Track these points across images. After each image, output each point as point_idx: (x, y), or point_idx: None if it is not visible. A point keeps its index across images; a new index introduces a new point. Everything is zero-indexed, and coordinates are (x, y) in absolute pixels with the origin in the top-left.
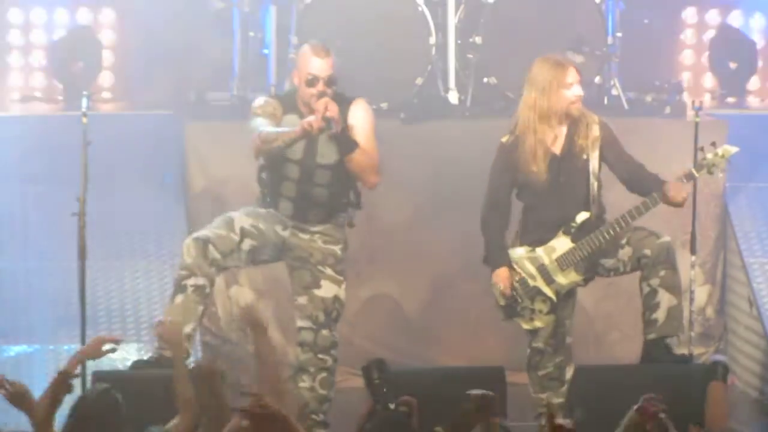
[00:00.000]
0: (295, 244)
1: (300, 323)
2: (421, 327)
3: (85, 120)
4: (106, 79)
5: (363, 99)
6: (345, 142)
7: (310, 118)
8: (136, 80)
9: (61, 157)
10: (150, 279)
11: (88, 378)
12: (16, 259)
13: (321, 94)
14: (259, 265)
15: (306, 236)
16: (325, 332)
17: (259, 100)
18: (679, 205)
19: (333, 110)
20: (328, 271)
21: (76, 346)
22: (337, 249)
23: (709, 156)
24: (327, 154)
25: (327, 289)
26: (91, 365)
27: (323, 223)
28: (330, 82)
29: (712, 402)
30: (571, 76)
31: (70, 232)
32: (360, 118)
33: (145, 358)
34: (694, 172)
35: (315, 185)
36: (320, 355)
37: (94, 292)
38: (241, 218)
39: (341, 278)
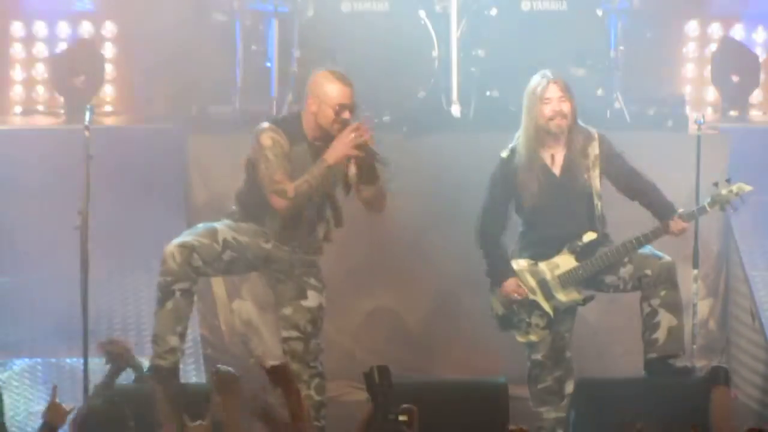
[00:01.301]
0: (278, 256)
1: (285, 333)
2: (423, 339)
3: (87, 133)
4: (107, 92)
5: None
6: (371, 170)
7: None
8: (138, 93)
9: (63, 170)
10: (152, 292)
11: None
12: (18, 272)
13: (346, 122)
14: (233, 275)
15: (287, 248)
16: (314, 341)
17: (266, 131)
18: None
19: (368, 135)
20: (312, 281)
21: (78, 360)
22: (315, 258)
23: (724, 192)
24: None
25: (313, 299)
26: (92, 378)
27: (308, 236)
28: (353, 109)
29: (716, 407)
30: (551, 91)
31: (72, 246)
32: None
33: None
34: (707, 207)
35: (307, 209)
36: (311, 363)
37: (96, 305)
38: (224, 230)
39: (322, 286)
